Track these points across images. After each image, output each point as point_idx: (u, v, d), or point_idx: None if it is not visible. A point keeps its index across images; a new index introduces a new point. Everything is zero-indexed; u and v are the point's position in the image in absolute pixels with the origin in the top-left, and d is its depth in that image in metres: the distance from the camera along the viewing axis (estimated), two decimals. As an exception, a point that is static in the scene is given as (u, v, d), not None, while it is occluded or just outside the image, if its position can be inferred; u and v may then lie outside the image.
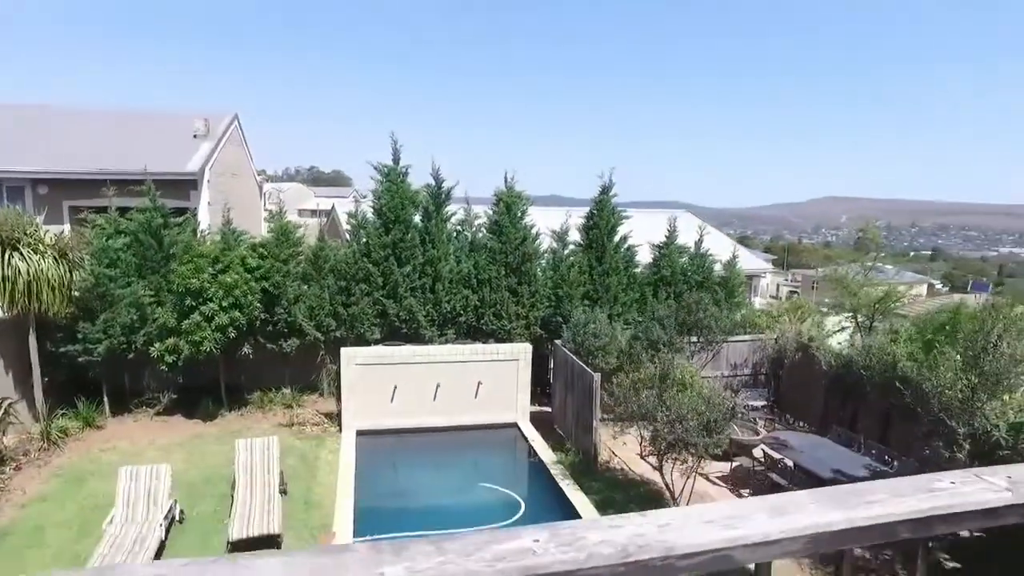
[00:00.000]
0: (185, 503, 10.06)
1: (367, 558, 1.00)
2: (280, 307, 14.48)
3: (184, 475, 10.96)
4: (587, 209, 16.93)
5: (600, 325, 13.91)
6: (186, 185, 16.39)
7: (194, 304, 12.97)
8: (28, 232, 12.08)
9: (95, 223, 13.88)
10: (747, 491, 11.53)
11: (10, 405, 11.89)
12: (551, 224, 16.75)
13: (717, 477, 11.99)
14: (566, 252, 16.64)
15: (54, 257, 12.14)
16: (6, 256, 11.52)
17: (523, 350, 14.47)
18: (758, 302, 25.53)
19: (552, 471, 11.87)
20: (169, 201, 14.80)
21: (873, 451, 11.49)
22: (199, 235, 15.02)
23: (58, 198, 15.56)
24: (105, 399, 13.61)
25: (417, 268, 15.25)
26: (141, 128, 19.50)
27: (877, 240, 17.98)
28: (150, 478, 9.58)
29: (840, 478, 10.14)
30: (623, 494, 11.23)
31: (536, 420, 14.42)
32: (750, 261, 26.34)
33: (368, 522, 9.88)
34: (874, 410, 12.51)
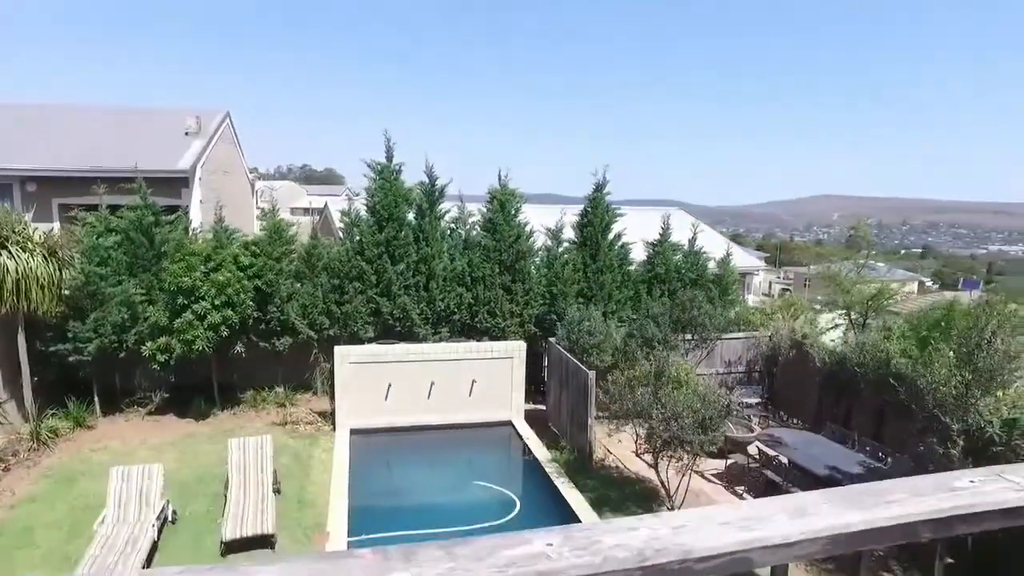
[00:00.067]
0: (178, 503, 9.97)
1: (373, 564, 0.96)
2: (273, 305, 14.39)
3: (176, 475, 10.87)
4: (581, 207, 16.91)
5: (595, 323, 13.89)
6: (177, 183, 16.26)
7: (186, 302, 12.87)
8: (16, 230, 11.95)
9: (85, 221, 13.75)
10: (742, 488, 11.54)
11: (-1, 405, 11.77)
12: (545, 222, 16.72)
13: (712, 474, 12.00)
14: (560, 250, 16.62)
15: (43, 255, 12.01)
16: (-6, 254, 11.38)
17: (517, 348, 14.44)
18: (751, 300, 25.61)
19: (547, 469, 11.85)
20: (160, 199, 14.68)
21: (867, 448, 11.53)
22: (191, 233, 14.90)
23: (47, 196, 15.39)
24: (96, 399, 13.49)
25: (411, 266, 15.18)
26: (132, 125, 19.32)
27: (868, 238, 18.05)
28: (142, 478, 9.48)
29: (835, 475, 10.16)
30: (618, 492, 11.22)
31: (531, 418, 14.39)
32: (743, 259, 26.39)
33: (362, 521, 9.82)
34: (868, 407, 12.55)
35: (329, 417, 13.97)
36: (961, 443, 8.99)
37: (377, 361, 13.71)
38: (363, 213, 15.43)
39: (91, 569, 7.80)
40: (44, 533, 9.27)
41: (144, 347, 13.01)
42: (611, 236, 16.71)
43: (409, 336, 14.93)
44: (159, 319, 12.98)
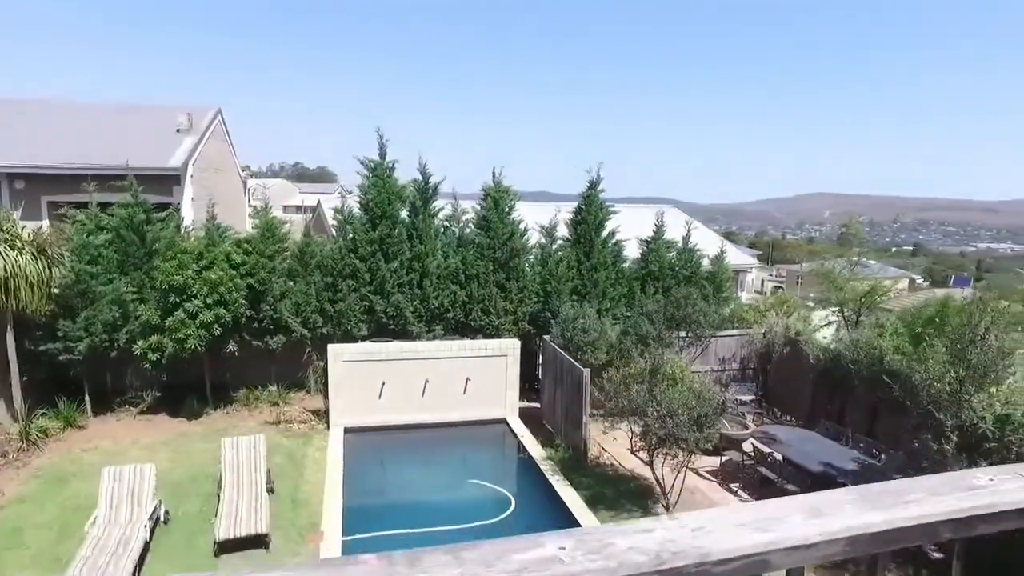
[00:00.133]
0: (170, 503, 9.88)
1: (377, 570, 0.92)
2: (266, 304, 14.29)
3: (169, 475, 10.78)
4: (575, 204, 16.88)
5: (589, 320, 13.86)
6: (169, 180, 16.11)
7: (178, 301, 12.76)
8: (4, 228, 11.82)
9: (75, 219, 13.60)
10: (737, 485, 11.56)
11: (-12, 405, 11.63)
12: (539, 219, 16.68)
13: (707, 472, 12.01)
14: (554, 247, 16.58)
15: (32, 253, 11.88)
16: (-18, 252, 11.24)
17: (511, 346, 14.40)
18: (744, 297, 25.65)
19: (542, 467, 11.83)
20: (151, 197, 14.54)
21: (861, 444, 11.57)
22: (183, 231, 14.78)
23: (36, 193, 15.22)
24: (87, 398, 13.36)
25: (404, 264, 15.12)
26: (122, 122, 19.14)
27: (860, 235, 18.12)
28: (134, 478, 9.39)
29: (829, 471, 10.19)
30: (613, 489, 11.21)
31: (525, 416, 14.37)
32: (736, 256, 26.42)
33: (357, 520, 9.78)
34: (861, 404, 12.59)
35: (323, 416, 13.90)
36: (955, 439, 9.03)
37: (371, 359, 13.65)
38: (356, 211, 15.35)
39: (82, 570, 7.71)
40: (34, 534, 9.17)
41: (136, 346, 12.89)
42: (605, 233, 16.69)
43: (403, 334, 14.87)
44: (151, 318, 12.86)
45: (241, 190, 24.29)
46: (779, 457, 11.12)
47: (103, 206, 13.90)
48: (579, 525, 9.72)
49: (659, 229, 17.18)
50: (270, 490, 10.17)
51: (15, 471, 11.06)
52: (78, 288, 12.77)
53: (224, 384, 14.57)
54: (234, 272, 13.53)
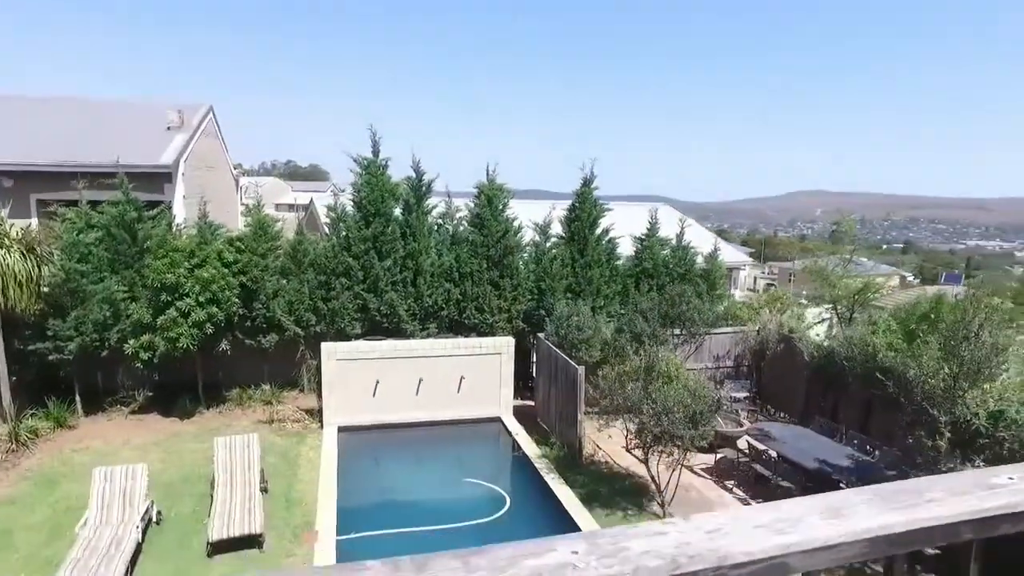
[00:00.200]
0: (163, 503, 9.80)
1: (382, 576, 0.88)
2: (258, 302, 14.19)
3: (161, 475, 10.69)
4: (569, 202, 16.84)
5: (583, 318, 13.84)
6: (160, 178, 15.96)
7: (170, 299, 12.65)
8: (-7, 226, 11.66)
9: (65, 217, 13.44)
10: (732, 483, 11.57)
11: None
12: (534, 217, 16.63)
13: (702, 469, 12.02)
14: (548, 245, 16.54)
15: (21, 252, 11.75)
16: (-30, 251, 11.10)
17: (506, 344, 14.37)
18: (738, 295, 25.70)
19: (537, 465, 11.81)
20: (142, 194, 14.40)
21: (855, 441, 11.60)
22: (174, 229, 14.64)
23: (25, 191, 15.04)
24: (77, 398, 13.23)
25: (398, 262, 15.04)
26: (112, 119, 18.96)
27: (852, 233, 18.15)
28: (125, 478, 9.30)
29: (824, 468, 10.21)
30: (608, 487, 11.19)
31: (519, 414, 14.34)
32: (730, 254, 26.47)
33: (351, 519, 9.72)
34: (855, 400, 12.62)
35: (316, 415, 13.82)
36: (948, 435, 9.06)
37: (364, 358, 13.58)
38: (349, 208, 15.26)
39: (72, 572, 7.62)
40: (23, 536, 9.07)
41: (127, 345, 12.77)
42: (599, 231, 16.66)
43: (397, 332, 14.79)
44: (142, 316, 12.75)
45: (233, 188, 24.12)
46: (774, 454, 11.14)
47: (93, 204, 13.75)
48: (575, 523, 9.71)
49: (653, 226, 17.16)
50: (264, 490, 10.10)
51: (4, 472, 10.94)
52: (68, 287, 12.64)
53: (217, 383, 14.47)
54: (226, 270, 13.43)
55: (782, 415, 14.63)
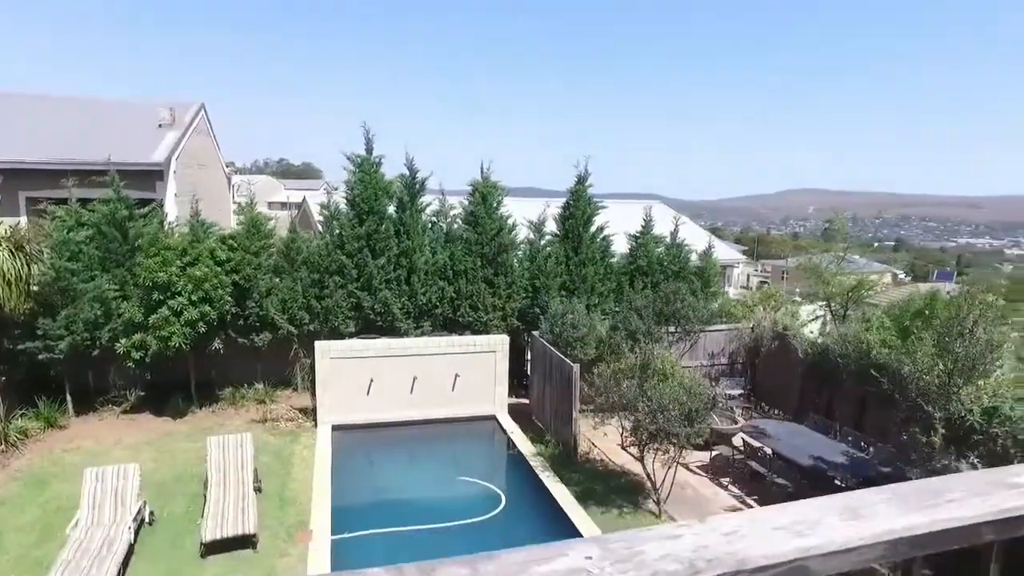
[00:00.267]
0: (155, 504, 9.71)
1: (386, 585, 0.84)
2: (251, 300, 14.09)
3: (154, 475, 10.60)
4: (563, 200, 16.81)
5: (578, 316, 13.81)
6: (151, 176, 15.81)
7: (162, 298, 12.54)
8: (-19, 224, 11.51)
9: (54, 215, 13.30)
10: (727, 480, 11.58)
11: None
12: (528, 215, 16.60)
13: (697, 466, 12.02)
14: (543, 243, 16.50)
15: (9, 250, 11.59)
16: (-42, 249, 10.97)
17: (500, 342, 14.33)
18: (731, 292, 25.76)
19: (532, 463, 11.78)
20: (133, 192, 14.26)
21: (849, 438, 11.62)
22: (166, 227, 14.52)
23: (13, 188, 14.87)
24: (68, 398, 13.10)
25: (392, 260, 14.97)
26: (103, 117, 18.78)
27: (844, 230, 18.17)
28: (117, 479, 9.20)
29: (819, 465, 10.22)
30: (603, 485, 11.17)
31: (514, 412, 14.31)
32: (724, 251, 26.54)
33: (345, 519, 9.67)
34: (850, 397, 12.65)
35: (310, 414, 13.75)
36: (942, 431, 9.09)
37: (358, 356, 13.52)
38: (343, 206, 15.17)
39: (63, 574, 7.54)
40: (13, 537, 8.97)
41: (118, 344, 12.66)
42: (593, 228, 16.63)
43: (391, 331, 14.73)
44: (134, 315, 12.63)
45: (226, 186, 23.97)
46: (769, 451, 11.14)
47: (84, 202, 13.62)
48: (570, 521, 9.69)
49: (647, 224, 17.15)
50: (257, 489, 10.02)
51: (-6, 473, 10.82)
52: (58, 285, 12.50)
53: (209, 382, 14.36)
54: (219, 269, 13.32)
55: (776, 412, 14.65)
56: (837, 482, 10.34)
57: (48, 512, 9.62)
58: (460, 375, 13.99)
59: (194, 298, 12.63)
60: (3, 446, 11.47)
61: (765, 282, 50.66)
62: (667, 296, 14.10)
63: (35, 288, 12.28)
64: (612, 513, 10.19)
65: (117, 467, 9.42)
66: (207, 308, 12.83)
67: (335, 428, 13.07)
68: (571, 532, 9.44)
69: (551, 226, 16.74)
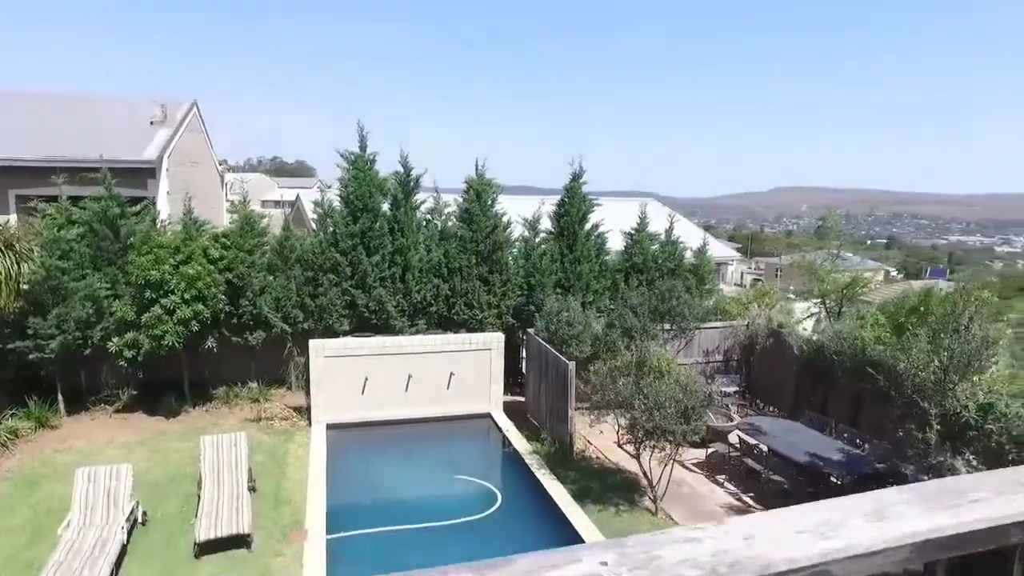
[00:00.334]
0: (148, 504, 9.62)
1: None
2: (245, 299, 13.99)
3: (147, 475, 10.50)
4: (558, 197, 16.77)
5: (573, 313, 13.78)
6: (143, 173, 15.67)
7: (154, 297, 12.43)
8: (-29, 222, 11.37)
9: (45, 212, 13.16)
10: (723, 477, 11.57)
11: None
12: (523, 212, 16.53)
13: (693, 464, 12.01)
14: (538, 240, 16.46)
15: (-1, 248, 11.47)
16: (-53, 247, 10.83)
17: (495, 339, 14.28)
18: (726, 290, 25.78)
19: (527, 461, 11.75)
20: (125, 190, 14.12)
21: (845, 434, 11.64)
22: (159, 225, 14.39)
23: (3, 186, 14.70)
24: (59, 397, 12.97)
25: (386, 257, 14.89)
26: (94, 114, 18.61)
27: (837, 228, 18.20)
28: (109, 479, 9.11)
29: (815, 462, 10.23)
30: (599, 483, 11.14)
31: (509, 410, 14.27)
32: (718, 249, 26.55)
33: (341, 518, 9.61)
34: (845, 394, 12.66)
35: (304, 412, 13.67)
36: (938, 428, 9.10)
37: (353, 355, 13.45)
38: (336, 204, 15.08)
39: (55, 575, 7.45)
40: (3, 538, 8.87)
41: (110, 343, 12.54)
42: (588, 226, 16.59)
43: (385, 329, 14.65)
44: (126, 314, 12.52)
45: (219, 184, 23.80)
46: (764, 448, 11.14)
47: (75, 199, 13.48)
48: (567, 519, 9.66)
49: (642, 221, 17.12)
50: (251, 489, 9.95)
51: (-16, 473, 10.70)
52: (49, 284, 12.37)
53: (203, 381, 14.26)
54: (212, 267, 13.21)
55: (772, 409, 14.67)
56: (833, 479, 10.36)
57: (39, 513, 9.51)
58: (455, 373, 13.94)
59: (187, 296, 12.53)
60: (-7, 446, 11.35)
61: (759, 279, 50.78)
62: (662, 293, 14.08)
63: (25, 287, 12.15)
64: (608, 511, 10.16)
65: (109, 467, 9.32)
66: (200, 306, 12.72)
67: (330, 427, 13.00)
68: (567, 530, 9.41)
69: (546, 224, 16.70)
